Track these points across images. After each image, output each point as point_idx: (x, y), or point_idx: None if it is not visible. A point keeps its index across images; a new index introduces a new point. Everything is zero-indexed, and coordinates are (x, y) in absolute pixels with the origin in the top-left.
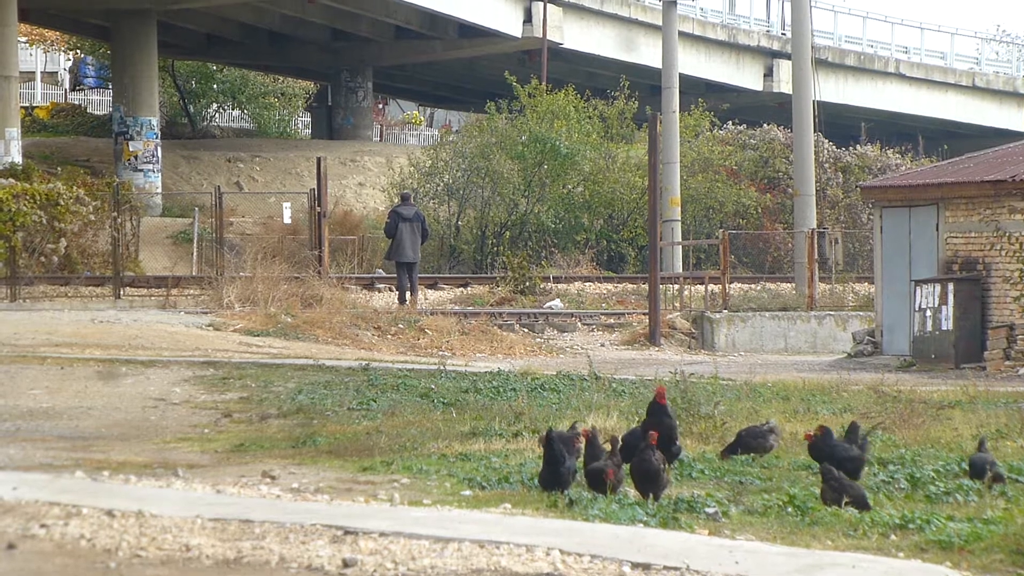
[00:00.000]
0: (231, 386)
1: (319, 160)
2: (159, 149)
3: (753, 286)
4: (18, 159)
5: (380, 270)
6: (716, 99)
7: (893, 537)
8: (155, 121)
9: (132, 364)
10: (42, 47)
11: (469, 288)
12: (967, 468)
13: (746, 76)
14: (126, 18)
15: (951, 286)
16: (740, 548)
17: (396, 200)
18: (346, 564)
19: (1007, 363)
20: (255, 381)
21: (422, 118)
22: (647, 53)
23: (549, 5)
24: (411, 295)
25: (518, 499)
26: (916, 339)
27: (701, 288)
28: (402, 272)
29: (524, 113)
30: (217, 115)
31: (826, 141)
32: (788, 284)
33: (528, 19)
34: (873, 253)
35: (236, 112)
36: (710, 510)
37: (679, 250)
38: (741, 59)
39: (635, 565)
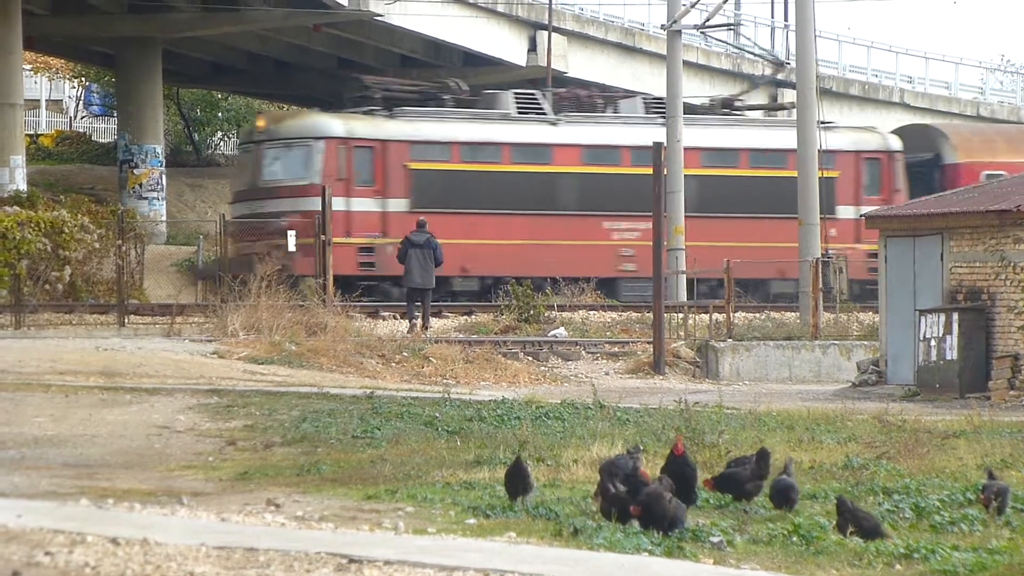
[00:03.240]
0: (235, 414)
1: (324, 187)
2: (164, 177)
3: (757, 315)
4: (23, 187)
5: None
6: None
7: (898, 567)
8: (160, 149)
9: (136, 392)
10: (47, 75)
11: (473, 316)
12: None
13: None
14: (131, 46)
15: (955, 316)
16: None
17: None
18: None
19: (1011, 393)
20: (259, 409)
21: None
22: (651, 81)
23: (554, 34)
24: (422, 320)
25: (522, 528)
26: (920, 369)
27: (705, 317)
28: (412, 298)
29: None
30: (222, 143)
31: None
32: (792, 313)
33: (533, 48)
34: (878, 282)
35: None
36: (715, 539)
37: (683, 279)
38: (745, 88)
39: None
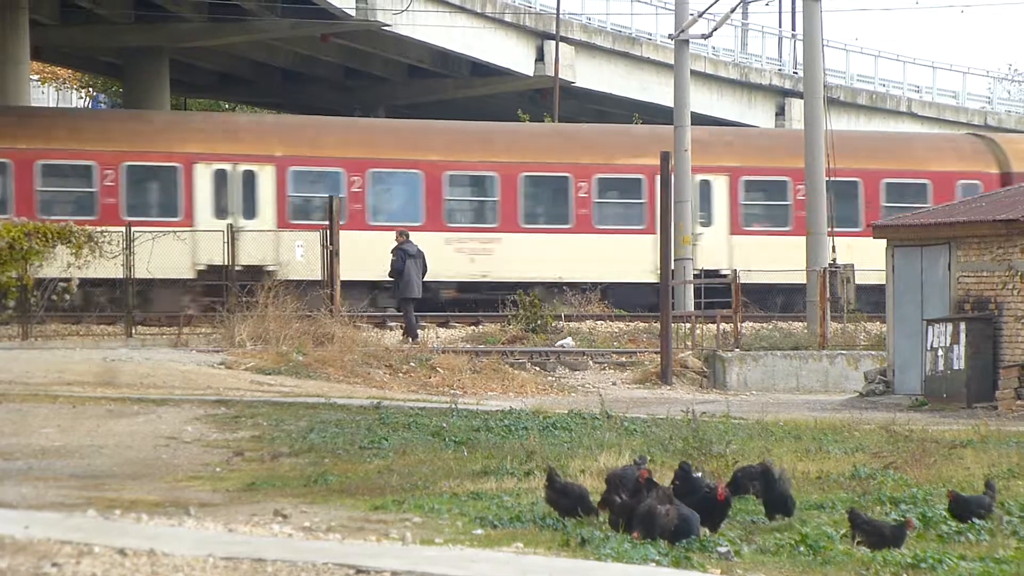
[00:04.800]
0: (243, 425)
1: (331, 198)
2: None
3: (765, 325)
4: None
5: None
6: None
7: None
8: None
9: (144, 402)
10: (55, 85)
11: (481, 326)
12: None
13: (758, 115)
14: (139, 56)
15: (963, 325)
16: None
17: (400, 238)
18: None
19: (1019, 403)
20: (267, 419)
21: None
22: (659, 91)
23: (561, 44)
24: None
25: (530, 538)
26: (928, 378)
27: (713, 327)
28: (409, 308)
29: None
30: None
31: None
32: (800, 323)
33: (540, 58)
34: (885, 292)
35: None
36: (722, 549)
37: (691, 288)
38: (753, 98)
39: None
